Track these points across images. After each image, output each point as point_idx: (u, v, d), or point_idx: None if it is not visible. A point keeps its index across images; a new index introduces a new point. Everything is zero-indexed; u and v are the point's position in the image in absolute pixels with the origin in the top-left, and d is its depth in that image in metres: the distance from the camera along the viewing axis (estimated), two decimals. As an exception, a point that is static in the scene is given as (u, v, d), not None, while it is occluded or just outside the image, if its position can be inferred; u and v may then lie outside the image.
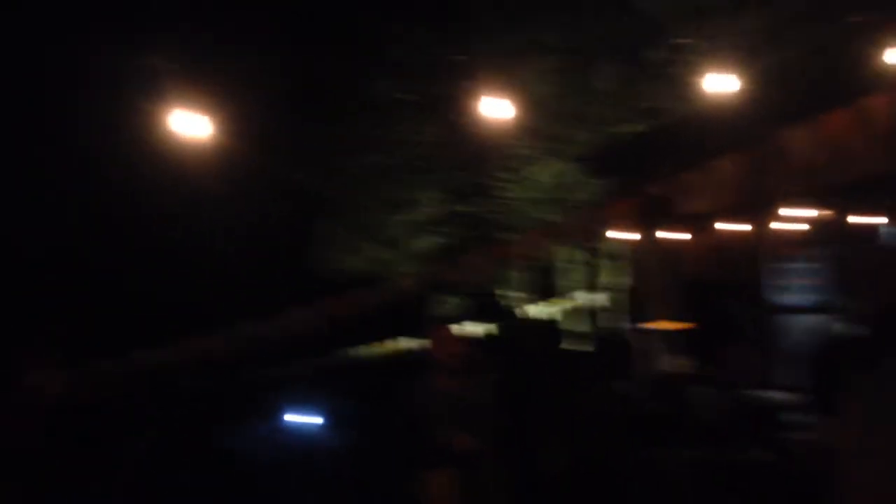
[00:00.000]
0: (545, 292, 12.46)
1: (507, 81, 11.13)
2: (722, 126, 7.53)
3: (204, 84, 5.04)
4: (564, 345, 8.09)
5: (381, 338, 12.37)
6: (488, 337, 8.11)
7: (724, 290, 9.87)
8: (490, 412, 4.97)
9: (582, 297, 12.03)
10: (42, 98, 9.80)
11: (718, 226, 9.54)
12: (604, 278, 11.82)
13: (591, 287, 11.98)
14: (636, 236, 9.61)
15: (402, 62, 11.17)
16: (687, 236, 9.57)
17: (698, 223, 9.32)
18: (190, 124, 5.32)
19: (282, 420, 11.83)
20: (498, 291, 12.54)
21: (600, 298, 11.83)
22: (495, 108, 7.59)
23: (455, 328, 5.66)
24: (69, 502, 4.68)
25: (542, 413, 6.35)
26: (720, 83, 6.39)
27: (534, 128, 11.36)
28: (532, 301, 12.31)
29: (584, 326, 11.60)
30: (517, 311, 11.87)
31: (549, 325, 8.81)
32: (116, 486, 6.16)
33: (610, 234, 10.26)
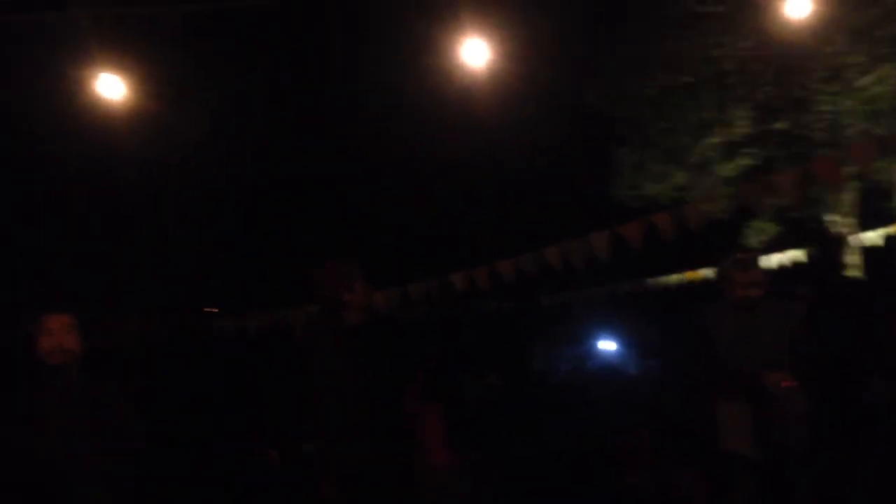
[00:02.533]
0: (878, 216, 11.14)
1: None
2: None
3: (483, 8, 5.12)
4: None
5: (682, 267, 11.96)
6: (801, 264, 7.46)
7: None
8: (795, 345, 4.59)
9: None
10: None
11: None
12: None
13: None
14: None
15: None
16: None
17: None
18: (474, 53, 5.45)
19: (585, 344, 12.07)
20: (821, 216, 11.46)
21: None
22: (809, 12, 6.77)
23: (759, 256, 5.25)
24: (386, 402, 5.00)
25: (864, 345, 5.77)
26: None
27: (865, 30, 10.08)
28: (859, 226, 11.08)
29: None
30: (841, 237, 10.76)
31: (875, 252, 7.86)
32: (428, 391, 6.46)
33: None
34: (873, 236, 10.84)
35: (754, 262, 4.81)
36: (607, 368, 10.94)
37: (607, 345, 11.67)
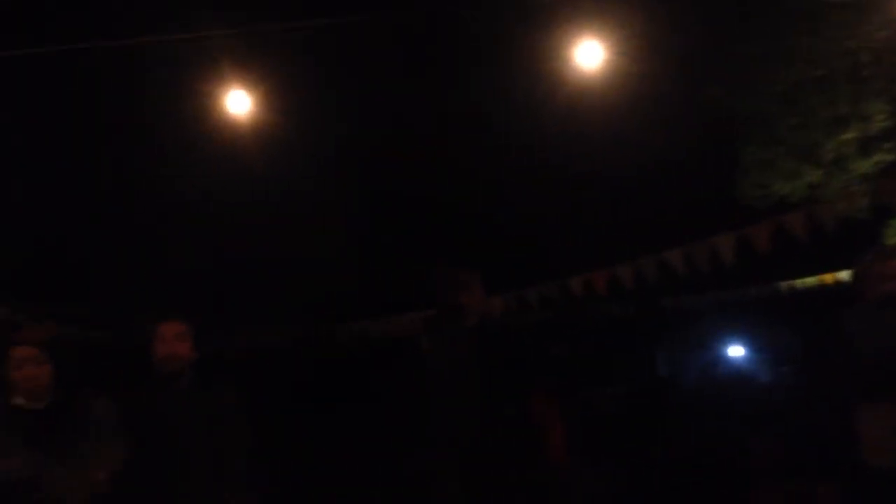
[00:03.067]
0: None
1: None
2: None
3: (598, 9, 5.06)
4: None
5: (817, 269, 11.37)
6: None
7: None
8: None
9: None
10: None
11: None
12: None
13: None
14: None
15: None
16: None
17: None
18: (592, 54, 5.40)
19: (712, 350, 11.67)
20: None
21: None
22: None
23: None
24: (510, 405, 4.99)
25: None
26: None
27: None
28: None
29: None
30: None
31: None
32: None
33: None
34: None
35: (893, 252, 4.55)
36: (737, 375, 10.56)
37: (736, 351, 11.25)
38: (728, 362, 10.98)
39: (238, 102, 5.38)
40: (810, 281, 11.43)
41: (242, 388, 4.12)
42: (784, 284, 11.51)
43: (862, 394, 4.35)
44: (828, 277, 11.03)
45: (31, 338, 3.92)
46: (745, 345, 10.87)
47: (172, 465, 3.78)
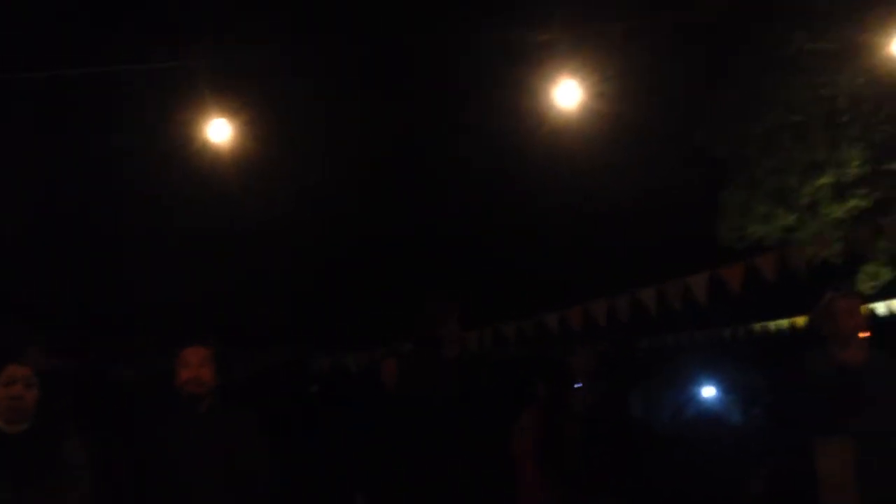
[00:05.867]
0: None
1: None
2: None
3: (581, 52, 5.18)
4: None
5: (788, 312, 11.51)
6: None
7: None
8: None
9: None
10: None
11: None
12: None
13: None
14: None
15: (812, 7, 10.17)
16: None
17: None
18: (569, 95, 5.51)
19: (686, 390, 11.70)
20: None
21: None
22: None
23: (860, 300, 5.04)
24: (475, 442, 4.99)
25: None
26: None
27: None
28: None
29: None
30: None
31: None
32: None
33: None
34: None
35: (854, 291, 4.63)
36: (710, 416, 10.58)
37: (709, 391, 11.30)
38: (701, 403, 11.00)
39: (219, 131, 5.43)
40: (783, 323, 11.57)
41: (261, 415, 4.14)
42: (757, 326, 11.64)
43: (820, 432, 4.42)
44: (799, 320, 11.16)
45: (29, 360, 3.91)
46: (717, 386, 10.90)
47: (194, 487, 3.79)
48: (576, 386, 5.67)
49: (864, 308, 4.87)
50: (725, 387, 11.00)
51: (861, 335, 4.45)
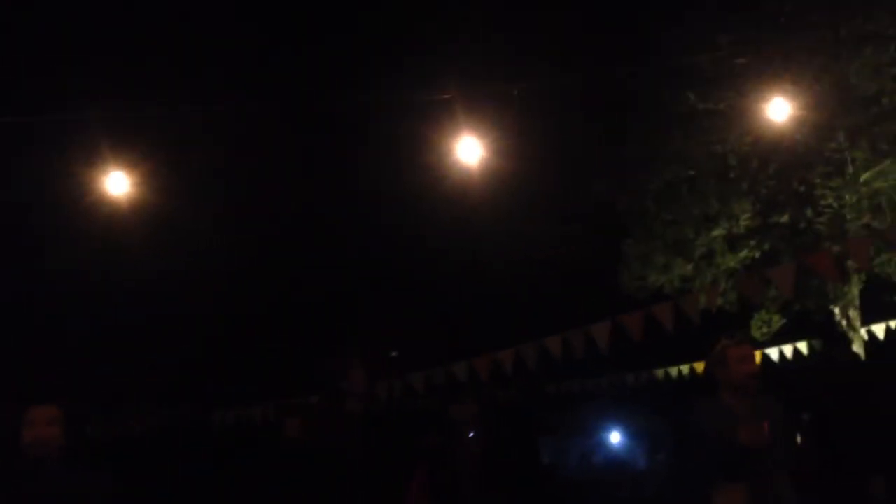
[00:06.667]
0: (883, 309, 11.12)
1: (829, 78, 10.31)
2: None
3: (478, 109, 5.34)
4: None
5: (686, 359, 11.91)
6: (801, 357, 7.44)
7: None
8: (782, 434, 4.58)
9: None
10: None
11: None
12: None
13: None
14: None
15: (706, 70, 10.75)
16: None
17: None
18: (470, 150, 5.67)
19: (593, 437, 11.92)
20: (826, 308, 11.47)
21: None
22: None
23: (752, 347, 5.27)
24: (375, 496, 5.01)
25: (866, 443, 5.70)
26: None
27: (865, 127, 10.31)
28: (865, 319, 11.06)
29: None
30: (845, 330, 10.73)
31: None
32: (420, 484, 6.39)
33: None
34: (877, 329, 10.81)
35: (746, 339, 4.80)
36: (616, 462, 10.79)
37: (616, 437, 11.54)
38: (608, 449, 11.24)
39: (117, 183, 5.34)
40: (684, 369, 11.96)
41: (119, 474, 3.98)
42: (659, 372, 11.99)
43: (715, 478, 4.56)
44: (698, 366, 11.55)
45: None
46: (623, 431, 11.17)
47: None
48: (470, 435, 5.63)
49: (755, 355, 5.08)
50: (631, 432, 11.29)
51: (752, 381, 4.62)
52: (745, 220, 11.37)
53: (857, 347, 10.89)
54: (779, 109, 7.08)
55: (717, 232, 11.53)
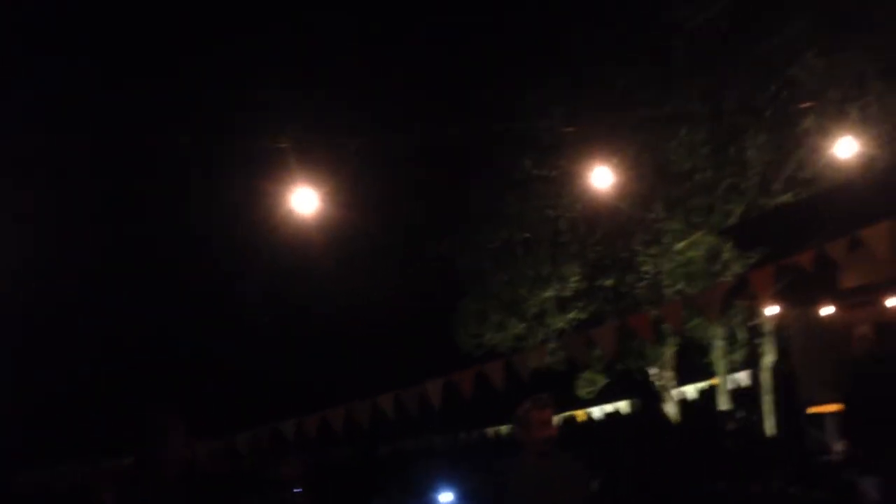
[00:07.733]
0: (696, 370, 11.88)
1: (651, 154, 11.05)
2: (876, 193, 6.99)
3: (318, 161, 5.29)
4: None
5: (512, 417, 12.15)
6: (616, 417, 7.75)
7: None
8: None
9: (728, 376, 11.32)
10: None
11: (881, 300, 8.71)
12: (757, 356, 11.12)
13: (745, 365, 11.27)
14: (787, 311, 8.99)
15: (540, 139, 11.24)
16: (843, 311, 8.81)
17: (857, 298, 8.56)
18: (305, 201, 5.58)
19: (424, 495, 11.83)
20: (645, 369, 12.10)
21: (747, 377, 11.10)
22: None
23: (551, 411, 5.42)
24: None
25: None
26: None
27: (680, 200, 11.10)
28: (677, 380, 11.76)
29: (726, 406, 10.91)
30: (664, 390, 11.35)
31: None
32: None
33: (764, 310, 9.67)
34: (690, 389, 11.51)
35: (548, 401, 4.93)
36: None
37: (446, 497, 11.49)
38: (438, 505, 11.18)
39: None
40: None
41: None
42: (490, 430, 12.17)
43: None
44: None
45: None
46: (454, 490, 11.16)
47: None
48: (295, 490, 5.45)
49: (554, 417, 5.23)
50: (461, 491, 11.28)
51: (550, 445, 4.75)
52: (573, 283, 11.88)
53: (671, 407, 11.52)
54: (603, 178, 7.45)
55: (548, 293, 11.97)
